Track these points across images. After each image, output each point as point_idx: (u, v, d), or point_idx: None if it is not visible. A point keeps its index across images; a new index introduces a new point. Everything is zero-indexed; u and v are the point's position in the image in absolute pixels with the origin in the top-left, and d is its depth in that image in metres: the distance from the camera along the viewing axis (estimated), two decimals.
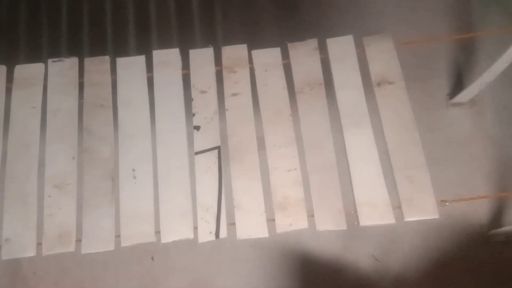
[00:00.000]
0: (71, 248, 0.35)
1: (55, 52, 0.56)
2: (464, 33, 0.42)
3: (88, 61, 0.42)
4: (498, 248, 0.58)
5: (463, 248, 0.57)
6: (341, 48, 0.41)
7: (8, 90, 0.41)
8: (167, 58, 0.42)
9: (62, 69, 0.42)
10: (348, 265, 0.56)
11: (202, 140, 0.39)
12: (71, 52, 0.56)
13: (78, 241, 0.36)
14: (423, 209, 0.35)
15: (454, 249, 0.57)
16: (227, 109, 0.40)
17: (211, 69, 0.42)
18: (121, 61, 0.42)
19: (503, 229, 0.56)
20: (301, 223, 0.36)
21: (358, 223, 0.36)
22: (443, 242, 0.57)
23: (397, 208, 0.36)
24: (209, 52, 0.42)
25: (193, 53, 0.42)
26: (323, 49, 0.42)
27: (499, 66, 0.49)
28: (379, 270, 0.56)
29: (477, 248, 0.57)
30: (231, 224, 0.36)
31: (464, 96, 0.56)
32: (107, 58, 0.42)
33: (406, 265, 0.56)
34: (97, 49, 0.52)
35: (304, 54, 0.42)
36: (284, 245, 0.51)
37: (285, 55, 0.42)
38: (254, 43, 0.43)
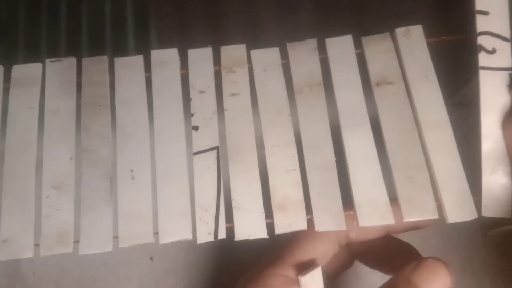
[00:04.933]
0: (69, 249, 0.35)
1: (53, 52, 0.55)
2: (464, 33, 0.41)
3: (86, 61, 0.42)
4: (498, 248, 0.57)
5: (463, 248, 0.57)
6: (340, 48, 0.41)
7: (6, 90, 0.41)
8: (165, 58, 0.42)
9: (60, 69, 0.42)
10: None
11: (201, 140, 0.39)
12: (69, 52, 0.55)
13: (76, 242, 0.36)
14: (423, 210, 0.35)
15: (453, 249, 0.57)
16: (226, 109, 0.40)
17: (210, 69, 0.42)
18: (119, 61, 0.42)
19: (503, 229, 0.56)
20: (301, 224, 0.36)
21: (358, 223, 0.35)
22: (442, 242, 0.57)
23: (397, 208, 0.36)
24: (207, 52, 0.42)
25: (192, 53, 0.42)
26: (322, 49, 0.41)
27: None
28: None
29: (477, 248, 0.57)
30: (230, 224, 0.36)
31: (463, 95, 0.56)
32: (105, 58, 0.42)
33: None
34: (95, 49, 0.51)
35: (303, 54, 0.41)
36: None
37: (284, 55, 0.42)
38: (253, 43, 0.43)
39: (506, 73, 0.34)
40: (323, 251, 0.38)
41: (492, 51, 0.33)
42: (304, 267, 0.36)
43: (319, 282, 0.34)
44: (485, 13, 0.34)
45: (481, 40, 0.35)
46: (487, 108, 0.35)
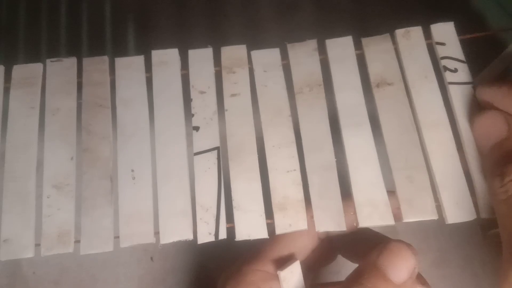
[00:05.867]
0: (70, 249, 0.35)
1: (54, 52, 0.55)
2: (463, 34, 0.42)
3: (86, 61, 0.42)
4: (498, 248, 0.58)
5: (462, 248, 0.57)
6: (340, 49, 0.41)
7: (6, 90, 0.41)
8: (166, 58, 0.42)
9: (61, 69, 0.42)
10: (348, 265, 0.56)
11: (201, 140, 0.39)
12: (69, 52, 0.55)
13: (77, 241, 0.36)
14: (422, 210, 0.35)
15: (453, 249, 0.57)
16: (226, 110, 0.40)
17: (210, 69, 0.42)
18: (119, 61, 0.42)
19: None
20: (301, 224, 0.36)
21: (358, 224, 0.36)
22: (442, 242, 0.57)
23: (396, 208, 0.36)
24: (208, 52, 0.42)
25: (192, 53, 0.42)
26: (322, 49, 0.42)
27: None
28: None
29: (477, 248, 0.57)
30: (231, 225, 0.36)
31: None
32: (105, 58, 0.42)
33: None
34: (96, 49, 0.51)
35: (303, 55, 0.42)
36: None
37: (285, 56, 0.42)
38: (253, 43, 0.43)
39: (469, 86, 0.39)
40: (302, 245, 0.38)
41: (455, 70, 0.39)
42: (283, 262, 0.36)
43: (298, 276, 0.34)
44: (442, 43, 0.40)
45: (445, 63, 0.40)
46: (461, 114, 0.38)
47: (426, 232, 0.57)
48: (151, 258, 0.57)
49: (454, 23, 0.41)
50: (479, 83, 0.38)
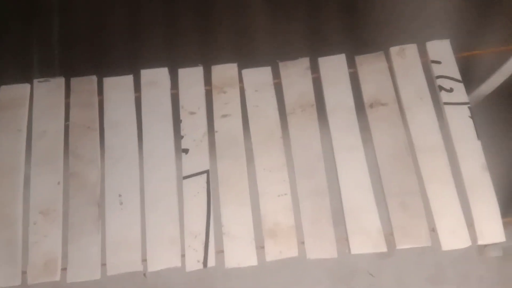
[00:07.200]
0: (57, 277, 0.35)
1: (42, 71, 0.55)
2: (459, 52, 0.41)
3: (74, 81, 0.41)
4: (495, 262, 0.57)
5: (459, 263, 0.57)
6: (333, 67, 0.40)
7: None
8: (155, 78, 0.41)
9: (48, 89, 0.41)
10: (343, 281, 0.55)
11: (191, 163, 0.38)
12: (57, 72, 0.55)
13: (64, 269, 0.35)
14: (416, 237, 0.35)
15: (449, 264, 0.56)
16: (216, 131, 0.39)
17: (201, 89, 0.41)
18: (108, 81, 0.41)
19: (499, 243, 0.56)
20: (292, 251, 0.35)
21: (350, 251, 0.35)
22: (438, 257, 0.57)
23: (390, 235, 0.35)
24: (198, 71, 0.41)
25: (182, 72, 0.41)
26: (315, 68, 0.41)
27: (497, 79, 0.49)
28: (374, 286, 0.56)
29: (474, 263, 0.57)
30: (220, 251, 0.35)
31: None
32: (94, 77, 0.41)
33: (401, 280, 0.56)
34: (84, 69, 0.51)
35: (295, 74, 0.41)
36: (280, 261, 0.51)
37: (276, 74, 0.41)
38: (245, 60, 0.42)
39: (465, 106, 0.38)
40: None
41: (450, 90, 0.39)
42: None
43: None
44: (438, 62, 0.40)
45: (440, 82, 0.39)
46: (458, 137, 0.37)
47: (422, 247, 0.56)
48: (144, 274, 0.57)
49: (450, 41, 0.40)
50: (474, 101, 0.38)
